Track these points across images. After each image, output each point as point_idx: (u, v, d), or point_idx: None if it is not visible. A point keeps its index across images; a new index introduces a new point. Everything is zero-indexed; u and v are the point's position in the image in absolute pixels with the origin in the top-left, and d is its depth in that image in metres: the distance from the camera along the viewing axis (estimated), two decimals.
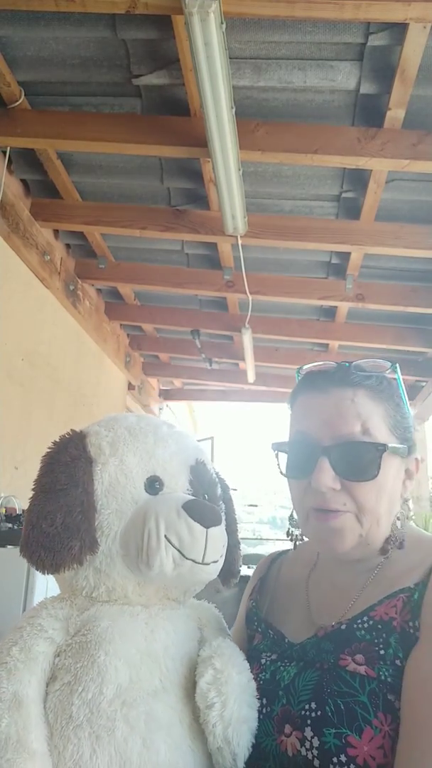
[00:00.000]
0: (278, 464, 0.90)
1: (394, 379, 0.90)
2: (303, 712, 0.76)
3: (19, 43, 2.52)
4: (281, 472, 0.90)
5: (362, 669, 0.75)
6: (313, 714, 0.75)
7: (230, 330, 4.95)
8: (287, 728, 0.77)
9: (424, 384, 5.61)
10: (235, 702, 0.75)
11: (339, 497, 0.82)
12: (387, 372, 0.89)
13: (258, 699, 0.81)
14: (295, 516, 0.93)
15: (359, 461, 0.81)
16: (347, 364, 0.88)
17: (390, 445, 0.83)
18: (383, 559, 0.86)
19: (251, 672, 0.84)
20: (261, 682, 0.83)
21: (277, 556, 1.07)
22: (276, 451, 0.90)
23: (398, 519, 0.87)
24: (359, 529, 0.82)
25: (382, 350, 5.11)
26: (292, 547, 1.03)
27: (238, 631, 1.01)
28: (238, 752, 0.74)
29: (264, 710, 0.80)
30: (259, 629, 0.93)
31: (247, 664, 0.82)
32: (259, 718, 0.79)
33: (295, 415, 0.91)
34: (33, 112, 2.86)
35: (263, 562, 1.08)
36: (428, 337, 4.72)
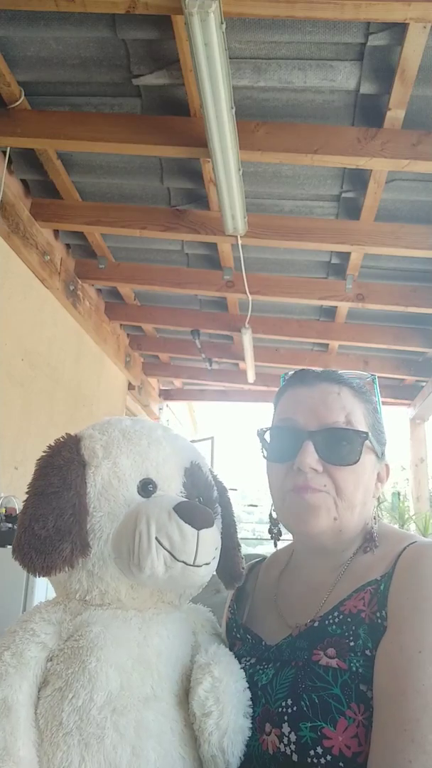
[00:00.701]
0: (262, 449, 0.95)
1: (373, 389, 0.97)
2: (280, 710, 0.78)
3: (19, 43, 2.52)
4: (264, 456, 0.94)
5: (334, 662, 0.77)
6: (289, 710, 0.76)
7: (230, 330, 4.95)
8: (267, 727, 0.78)
9: (424, 384, 5.61)
10: (232, 711, 0.76)
11: (320, 478, 0.86)
12: (366, 381, 0.97)
13: None
14: (274, 514, 0.95)
15: (342, 446, 0.87)
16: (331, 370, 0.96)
17: (371, 435, 0.89)
18: (352, 555, 0.90)
19: None
20: None
21: (255, 564, 1.10)
22: (261, 437, 0.95)
23: (374, 519, 0.92)
24: (334, 511, 0.86)
25: (382, 350, 5.12)
26: (277, 546, 1.05)
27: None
28: (232, 761, 0.74)
29: None
30: (238, 635, 0.95)
31: (243, 673, 0.83)
32: None
33: (281, 407, 0.95)
34: (33, 112, 2.86)
35: None
36: (428, 337, 4.72)
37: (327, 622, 0.82)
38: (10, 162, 3.29)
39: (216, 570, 0.88)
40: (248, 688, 0.82)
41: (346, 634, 0.79)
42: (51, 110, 2.85)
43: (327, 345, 5.27)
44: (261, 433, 0.94)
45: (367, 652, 0.76)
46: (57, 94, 2.79)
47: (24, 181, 3.53)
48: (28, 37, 2.48)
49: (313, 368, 0.96)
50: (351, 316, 4.68)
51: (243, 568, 0.96)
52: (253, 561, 1.11)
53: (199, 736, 0.74)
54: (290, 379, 0.96)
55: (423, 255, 3.51)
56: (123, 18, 2.32)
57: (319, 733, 0.73)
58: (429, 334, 4.70)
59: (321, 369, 0.95)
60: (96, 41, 2.47)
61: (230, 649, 0.94)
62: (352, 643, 0.78)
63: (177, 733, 0.74)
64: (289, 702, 0.77)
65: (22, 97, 2.77)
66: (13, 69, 2.64)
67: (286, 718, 0.76)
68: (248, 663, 0.87)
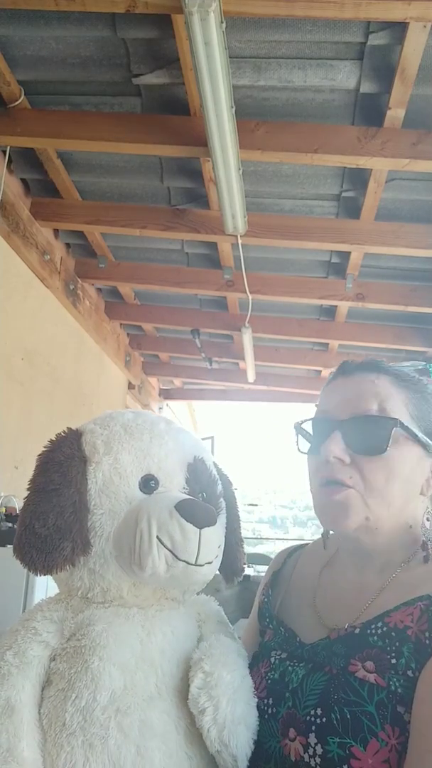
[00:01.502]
0: (297, 443, 0.90)
1: (428, 377, 0.89)
2: (308, 718, 0.73)
3: (19, 42, 2.51)
4: (299, 450, 0.90)
5: (372, 677, 0.72)
6: (318, 720, 0.72)
7: (230, 329, 4.95)
8: (291, 732, 0.74)
9: None
10: (228, 703, 0.73)
11: (346, 470, 0.81)
12: (418, 368, 0.90)
13: (264, 698, 0.79)
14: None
15: (369, 435, 0.81)
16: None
17: (405, 423, 0.81)
18: (404, 562, 0.83)
19: (261, 669, 0.83)
20: (269, 681, 0.81)
21: (294, 550, 1.03)
22: (297, 430, 0.91)
23: (428, 520, 0.83)
24: (365, 510, 0.80)
25: (382, 350, 5.12)
26: (308, 542, 1.01)
27: (252, 625, 0.98)
28: (237, 753, 0.72)
29: (270, 710, 0.78)
30: (271, 626, 0.91)
31: (239, 661, 0.79)
32: (264, 717, 0.78)
33: (320, 400, 0.91)
34: (33, 112, 2.85)
35: (279, 556, 1.05)
36: (428, 337, 4.72)
37: (369, 631, 0.76)
38: (10, 161, 3.29)
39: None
40: (276, 686, 0.79)
41: (389, 648, 0.73)
42: (51, 109, 2.85)
43: (327, 344, 5.27)
44: (297, 426, 0.90)
45: (410, 672, 0.70)
46: (57, 93, 2.79)
47: (24, 181, 3.53)
48: (27, 36, 2.48)
49: (355, 359, 0.91)
50: (351, 316, 4.68)
51: (244, 564, 0.94)
52: (294, 546, 1.05)
53: (202, 734, 0.72)
54: (333, 372, 0.92)
55: (423, 254, 3.50)
56: (123, 17, 2.32)
57: (347, 752, 0.68)
58: (429, 333, 4.70)
59: (366, 359, 0.89)
60: (96, 40, 2.47)
61: (261, 637, 0.91)
62: (393, 660, 0.71)
63: (182, 731, 0.73)
64: (319, 711, 0.72)
65: (22, 97, 2.77)
66: (12, 68, 2.64)
67: (313, 728, 0.72)
68: (278, 657, 0.84)
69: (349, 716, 0.70)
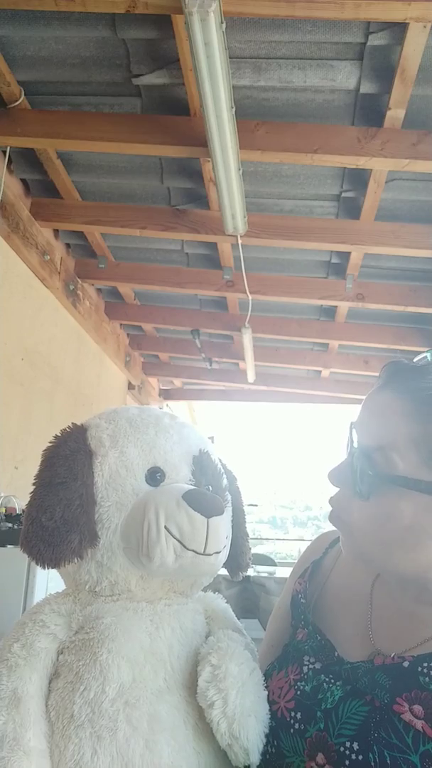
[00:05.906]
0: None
1: None
2: (342, 749, 0.67)
3: (19, 42, 2.52)
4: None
5: (419, 724, 0.65)
6: (354, 756, 0.66)
7: (230, 330, 4.96)
8: (320, 758, 0.68)
9: None
10: (237, 695, 0.72)
11: (343, 501, 0.77)
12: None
13: (292, 711, 0.75)
14: None
15: (359, 475, 0.73)
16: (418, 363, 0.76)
17: (401, 472, 0.69)
18: None
19: (290, 674, 0.79)
20: (298, 692, 0.75)
21: (337, 541, 0.90)
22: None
23: None
24: (356, 546, 0.75)
25: (382, 350, 5.13)
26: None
27: (282, 610, 0.91)
28: (249, 746, 0.71)
29: (297, 725, 0.72)
30: (307, 628, 0.83)
31: (247, 655, 0.77)
32: (288, 731, 0.73)
33: None
34: (33, 112, 2.86)
35: (319, 543, 0.95)
36: (428, 337, 4.72)
37: (420, 669, 0.68)
38: (10, 162, 3.30)
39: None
40: (308, 700, 0.74)
41: None
42: (51, 110, 2.86)
43: (327, 345, 5.27)
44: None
45: None
46: (57, 93, 2.80)
47: (24, 181, 3.53)
48: (28, 36, 2.49)
49: (405, 361, 0.77)
50: (351, 316, 4.68)
51: (250, 559, 0.92)
52: (336, 537, 0.90)
53: (212, 728, 0.72)
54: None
55: (423, 255, 3.51)
56: (123, 17, 2.32)
57: None
58: (429, 334, 4.70)
59: (409, 364, 0.76)
60: (96, 41, 2.48)
61: (292, 633, 0.86)
62: None
63: (191, 726, 0.73)
64: (356, 747, 0.66)
65: (22, 97, 2.77)
66: (13, 68, 2.65)
67: (347, 762, 0.66)
68: (312, 668, 0.77)
69: (389, 761, 0.64)
